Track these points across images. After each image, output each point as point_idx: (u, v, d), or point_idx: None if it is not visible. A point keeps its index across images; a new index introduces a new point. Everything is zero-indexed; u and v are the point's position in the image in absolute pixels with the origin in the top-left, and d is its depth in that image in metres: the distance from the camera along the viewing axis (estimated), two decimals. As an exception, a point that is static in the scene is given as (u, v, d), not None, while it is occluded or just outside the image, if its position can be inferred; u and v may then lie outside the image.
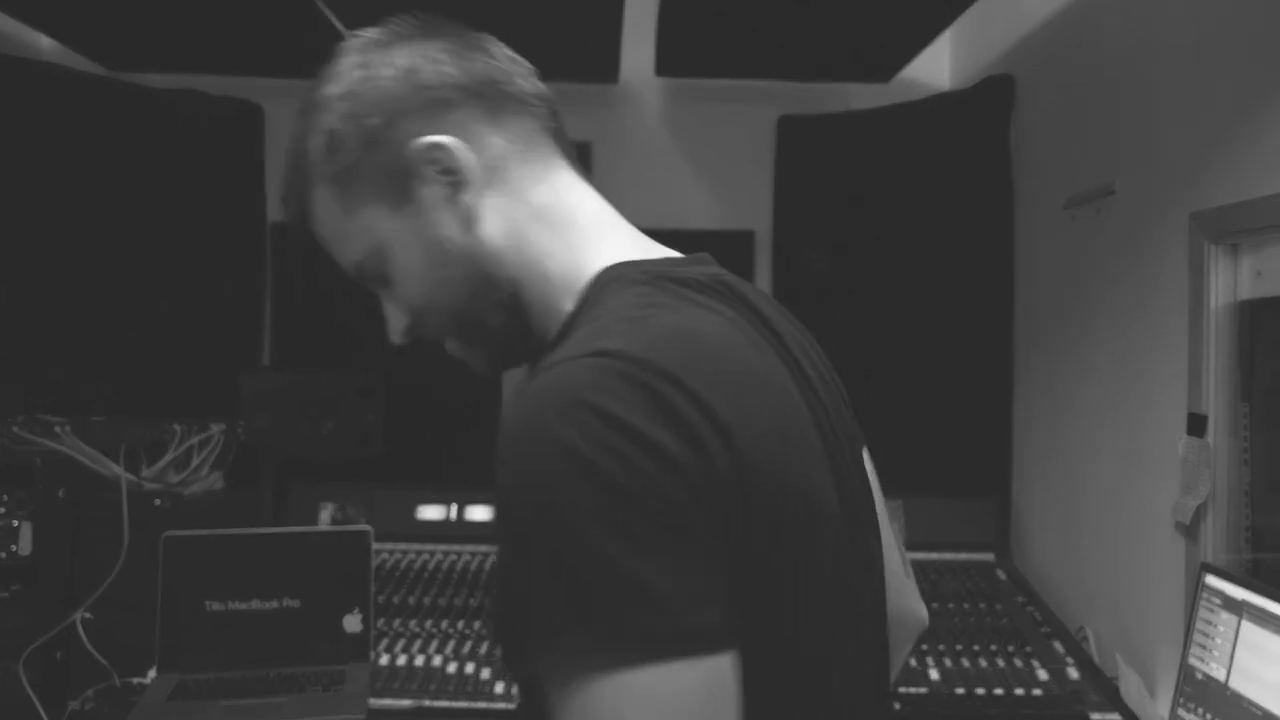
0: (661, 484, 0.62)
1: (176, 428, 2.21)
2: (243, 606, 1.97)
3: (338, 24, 2.53)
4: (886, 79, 2.81)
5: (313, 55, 2.81)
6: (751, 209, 2.97)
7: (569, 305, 0.81)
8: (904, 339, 2.74)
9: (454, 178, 0.82)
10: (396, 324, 0.89)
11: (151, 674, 1.92)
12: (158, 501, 2.08)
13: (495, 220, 0.83)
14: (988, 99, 2.57)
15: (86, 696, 1.89)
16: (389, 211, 0.83)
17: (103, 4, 2.35)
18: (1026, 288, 2.51)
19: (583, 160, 2.94)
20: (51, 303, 2.48)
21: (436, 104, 0.83)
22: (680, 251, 0.89)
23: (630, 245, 0.85)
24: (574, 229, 0.84)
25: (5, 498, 1.94)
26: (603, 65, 2.71)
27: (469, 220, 0.83)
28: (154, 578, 1.97)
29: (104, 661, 1.95)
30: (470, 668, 1.97)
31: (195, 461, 2.20)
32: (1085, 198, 2.14)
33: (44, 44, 2.70)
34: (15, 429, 2.10)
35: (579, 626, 0.60)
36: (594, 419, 0.62)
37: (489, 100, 0.84)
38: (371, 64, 0.84)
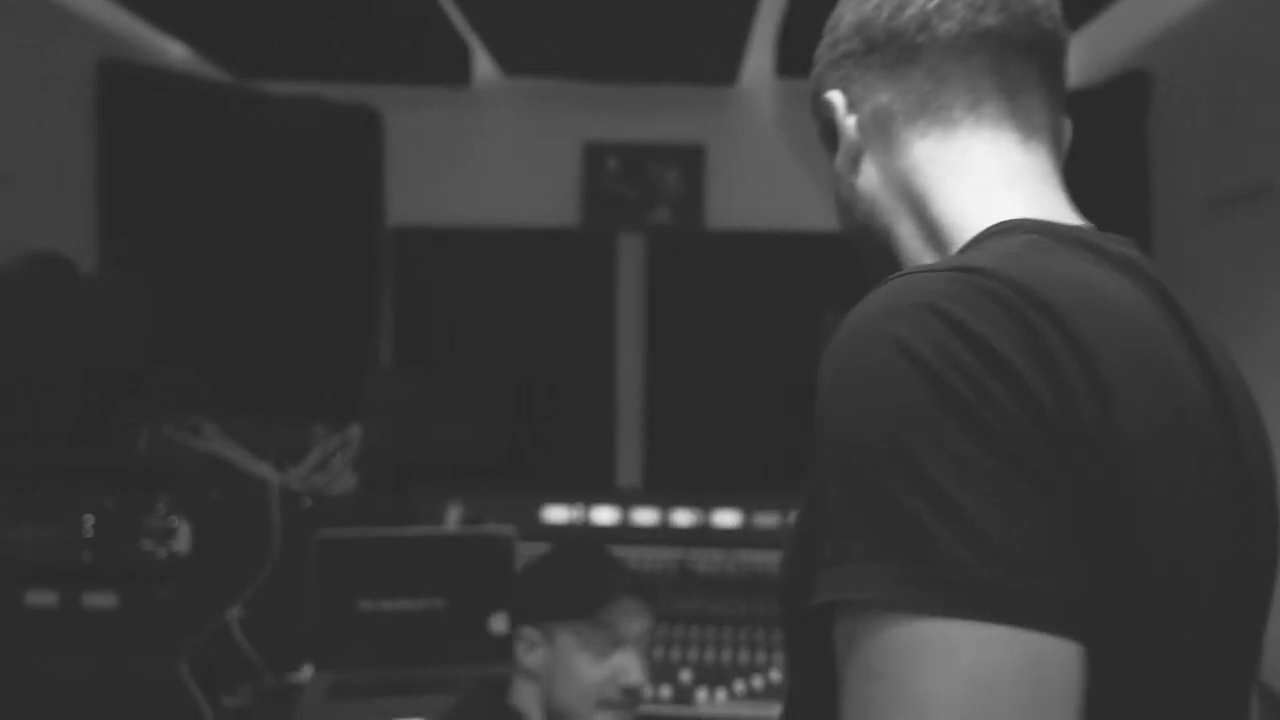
0: (1011, 414, 0.53)
1: (318, 429, 2.24)
2: (392, 606, 1.99)
3: (462, 26, 2.56)
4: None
5: (433, 60, 2.84)
6: (868, 210, 2.94)
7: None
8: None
9: (843, 131, 0.82)
10: None
11: (307, 671, 1.95)
12: (307, 502, 2.11)
13: (872, 172, 0.81)
14: (1122, 96, 2.51)
15: (241, 693, 1.93)
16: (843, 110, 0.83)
17: (232, 11, 2.40)
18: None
19: (696, 164, 2.94)
20: (187, 304, 2.54)
21: (844, 57, 0.82)
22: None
23: (1038, 206, 0.74)
24: (965, 185, 0.76)
25: (164, 498, 1.98)
26: (724, 66, 2.71)
27: (852, 168, 0.82)
28: (303, 576, 1.99)
29: (258, 659, 1.98)
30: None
31: (336, 463, 2.23)
32: (1237, 195, 2.08)
33: (175, 53, 2.76)
34: (168, 430, 2.15)
35: (886, 555, 0.52)
36: (939, 323, 0.55)
37: (888, 53, 0.79)
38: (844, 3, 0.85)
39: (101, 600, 1.97)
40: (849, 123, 0.81)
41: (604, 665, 1.50)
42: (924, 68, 0.77)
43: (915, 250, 0.78)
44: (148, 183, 2.55)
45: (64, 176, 2.39)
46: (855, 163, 0.81)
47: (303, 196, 2.80)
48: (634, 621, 1.53)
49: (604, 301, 2.88)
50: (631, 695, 1.50)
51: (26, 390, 2.06)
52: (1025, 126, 0.76)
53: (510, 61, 2.73)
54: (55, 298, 2.04)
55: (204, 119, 2.65)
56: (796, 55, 2.68)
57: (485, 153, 2.95)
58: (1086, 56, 2.86)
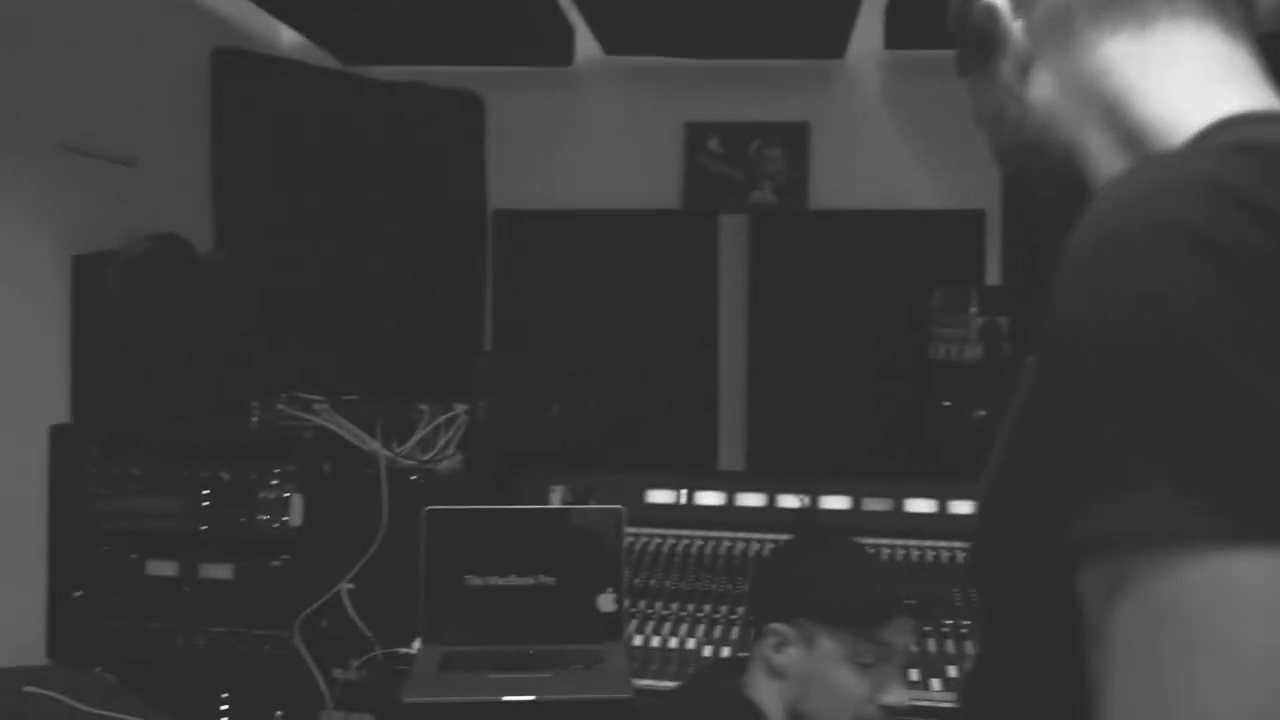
0: None
1: (424, 408, 2.24)
2: (501, 582, 1.98)
3: (565, 5, 2.55)
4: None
5: (536, 40, 2.83)
6: (981, 187, 2.83)
7: None
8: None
9: (1008, 38, 0.74)
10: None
11: (416, 645, 1.95)
12: (414, 477, 2.11)
13: (1048, 82, 0.72)
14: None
15: (352, 665, 1.94)
16: (981, 63, 0.78)
17: (340, 1, 2.43)
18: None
19: (799, 142, 2.86)
20: (297, 284, 2.58)
21: None
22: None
23: (1257, 99, 0.66)
24: (1173, 81, 0.68)
25: (277, 471, 2.00)
26: (831, 40, 2.64)
27: (1018, 82, 0.74)
28: (410, 551, 2.00)
29: (368, 632, 2.00)
30: (726, 652, 1.93)
31: (441, 441, 2.24)
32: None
33: (286, 40, 2.81)
34: (280, 406, 2.18)
35: (1187, 477, 0.44)
36: (1231, 205, 0.47)
37: None
38: None
39: (218, 571, 2.01)
40: (1016, 27, 0.74)
41: (866, 679, 1.40)
42: None
43: (1109, 162, 0.69)
44: (260, 166, 2.60)
45: (181, 161, 2.45)
46: (1025, 71, 0.74)
47: (408, 180, 2.82)
48: (905, 638, 1.43)
49: (706, 283, 2.84)
50: (885, 712, 1.41)
51: (146, 366, 2.11)
52: (1225, 17, 0.69)
53: (612, 40, 2.70)
54: (173, 277, 2.08)
55: (313, 104, 2.69)
56: (906, 26, 2.60)
57: (586, 134, 2.94)
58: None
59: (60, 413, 2.06)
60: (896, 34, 2.63)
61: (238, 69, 2.56)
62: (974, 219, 2.81)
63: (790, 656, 1.42)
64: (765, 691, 1.43)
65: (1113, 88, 0.69)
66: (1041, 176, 0.75)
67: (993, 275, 2.79)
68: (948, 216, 2.81)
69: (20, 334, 1.97)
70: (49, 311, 2.04)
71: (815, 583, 1.44)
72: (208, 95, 2.53)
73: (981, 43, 0.77)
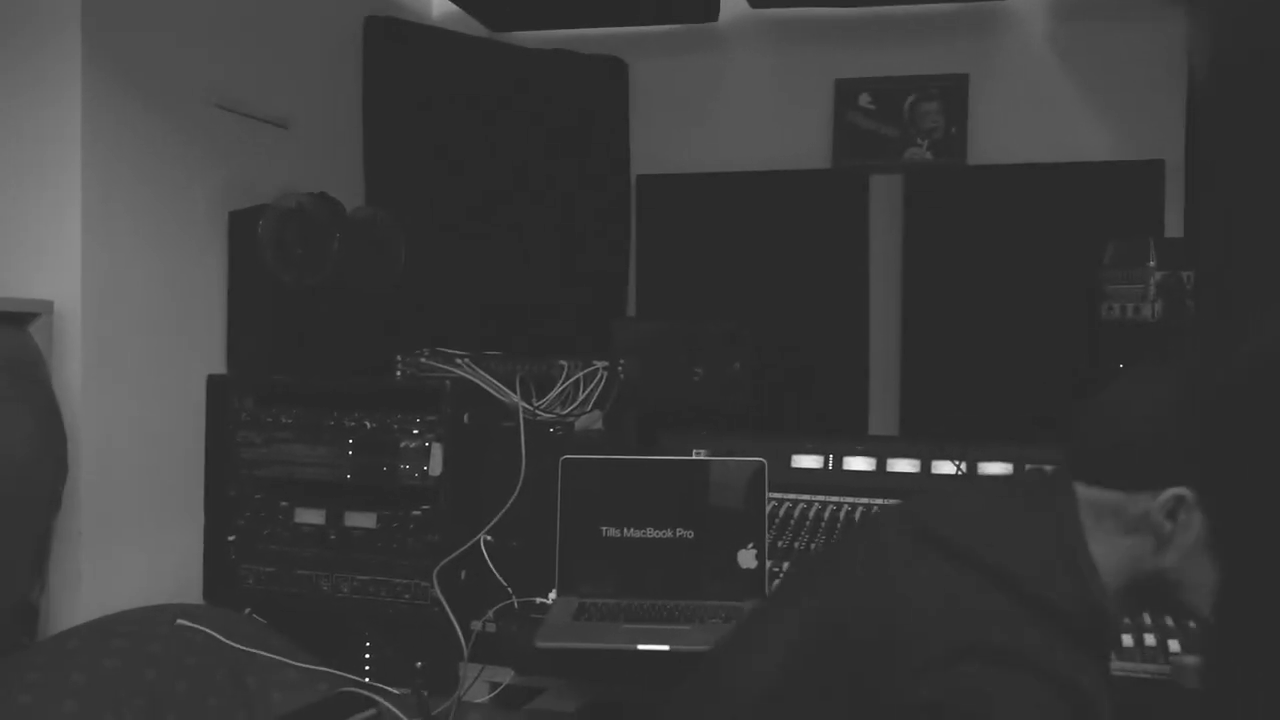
0: None
1: (563, 363, 2.22)
2: (638, 534, 1.93)
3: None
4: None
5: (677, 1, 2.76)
6: (1159, 136, 2.60)
7: None
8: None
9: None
10: None
11: (552, 595, 1.92)
12: (552, 430, 2.08)
13: None
14: None
15: (488, 617, 1.92)
16: None
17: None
18: None
19: (957, 95, 2.69)
20: (442, 243, 2.60)
21: None
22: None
23: None
24: None
25: (418, 421, 2.01)
26: (990, -20, 2.48)
27: None
28: (547, 504, 1.97)
29: (504, 582, 1.98)
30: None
31: (581, 395, 2.21)
32: None
33: (436, 8, 2.85)
34: (424, 359, 2.19)
35: None
36: None
37: None
38: None
39: (361, 520, 2.03)
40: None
41: None
42: None
43: None
44: (409, 131, 2.64)
45: (333, 124, 2.51)
46: None
47: (553, 145, 2.81)
48: None
49: (856, 244, 2.72)
50: None
51: (297, 319, 2.15)
52: None
53: (758, -8, 2.62)
54: (322, 232, 2.12)
55: (461, 71, 2.71)
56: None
57: (731, 94, 2.86)
58: None
59: (217, 363, 2.13)
60: (1065, -30, 2.45)
61: (388, 36, 2.61)
62: (1152, 170, 2.58)
63: (1186, 531, 1.21)
64: (1120, 552, 1.22)
65: None
66: None
67: (1173, 229, 2.56)
68: (1122, 168, 2.59)
69: (181, 287, 2.04)
70: (207, 265, 2.11)
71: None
72: (359, 61, 2.58)
73: None
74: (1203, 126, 2.55)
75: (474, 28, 2.82)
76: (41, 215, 1.81)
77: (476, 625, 1.93)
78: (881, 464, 2.35)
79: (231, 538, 2.09)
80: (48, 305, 1.76)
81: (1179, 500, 1.19)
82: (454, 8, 2.77)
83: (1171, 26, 2.56)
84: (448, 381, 2.04)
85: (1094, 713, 1.11)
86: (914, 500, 1.41)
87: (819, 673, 1.20)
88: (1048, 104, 2.68)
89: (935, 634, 1.12)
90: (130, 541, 1.92)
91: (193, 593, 2.07)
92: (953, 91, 2.73)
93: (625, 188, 2.89)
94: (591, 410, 2.22)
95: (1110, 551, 1.21)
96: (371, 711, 1.76)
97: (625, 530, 1.93)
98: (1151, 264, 2.31)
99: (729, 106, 2.85)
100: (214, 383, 2.11)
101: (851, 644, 1.18)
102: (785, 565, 2.00)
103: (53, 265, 1.80)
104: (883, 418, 2.67)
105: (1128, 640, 1.72)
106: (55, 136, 1.81)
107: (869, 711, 1.14)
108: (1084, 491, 1.25)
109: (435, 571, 1.96)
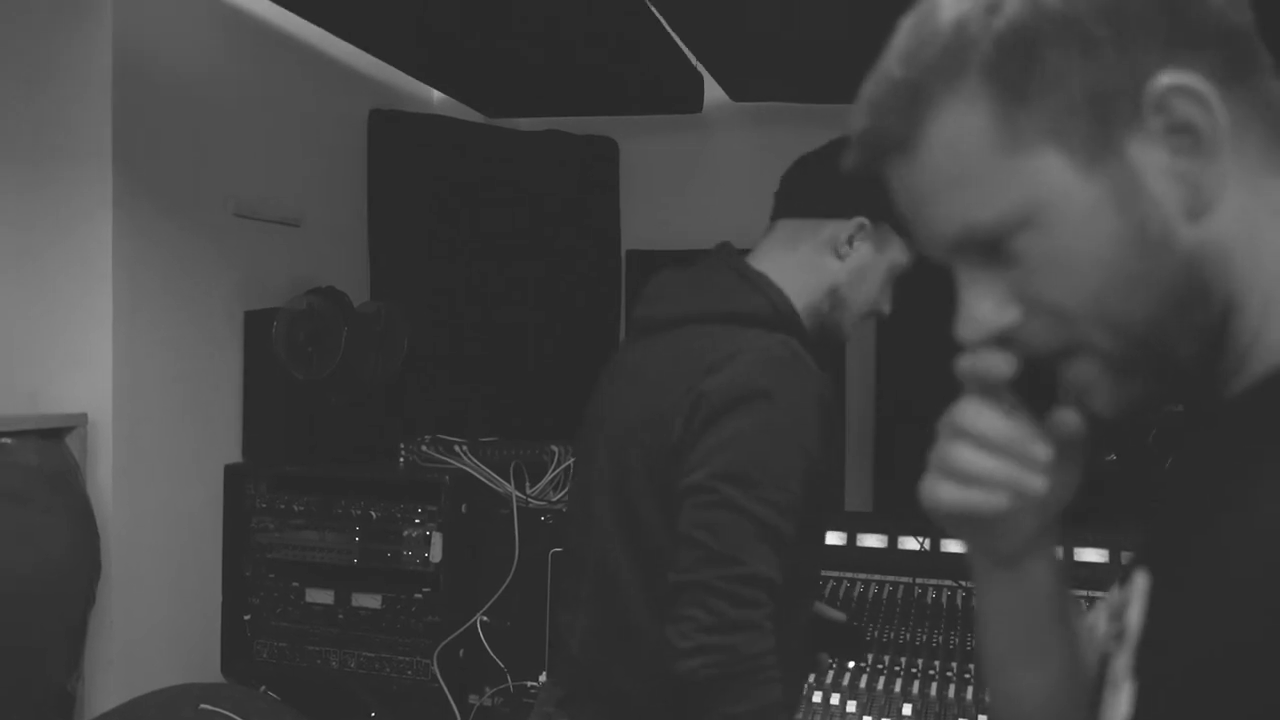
0: None
1: (554, 449, 2.38)
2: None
3: (695, 62, 2.64)
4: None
5: (667, 90, 2.93)
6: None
7: None
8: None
9: (1187, 139, 0.58)
10: (990, 315, 0.63)
11: (542, 677, 2.09)
12: (544, 518, 2.25)
13: (1232, 209, 0.58)
14: None
15: (486, 694, 2.09)
16: (1069, 164, 0.58)
17: (485, 59, 2.60)
18: None
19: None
20: (443, 329, 2.77)
21: (1191, 35, 0.58)
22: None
23: None
24: None
25: (420, 511, 2.18)
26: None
27: (1201, 203, 0.58)
28: (542, 588, 2.14)
29: (500, 663, 2.15)
30: (836, 699, 1.98)
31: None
32: None
33: (435, 98, 3.01)
34: (425, 448, 2.36)
35: None
36: None
37: (1236, 49, 0.60)
38: None
39: (368, 601, 2.20)
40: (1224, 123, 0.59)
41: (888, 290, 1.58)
42: None
43: (1262, 326, 0.60)
44: (411, 218, 2.80)
45: (341, 217, 2.68)
46: (1206, 190, 0.60)
47: (547, 223, 2.97)
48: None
49: (833, 322, 2.87)
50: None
51: (308, 411, 2.32)
52: None
53: (738, 88, 2.78)
54: (331, 329, 2.29)
55: (461, 155, 2.88)
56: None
57: (716, 176, 3.02)
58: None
59: (234, 453, 2.30)
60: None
61: (391, 128, 2.77)
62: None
63: (861, 248, 1.51)
64: (810, 270, 1.51)
65: (1272, 237, 0.59)
66: (1193, 333, 0.60)
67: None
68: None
69: (200, 383, 2.21)
70: (225, 362, 2.28)
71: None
72: (364, 154, 2.75)
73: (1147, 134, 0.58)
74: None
75: (471, 116, 2.99)
76: (75, 331, 1.98)
77: (475, 700, 2.10)
78: (852, 539, 2.51)
79: (247, 616, 2.26)
80: (82, 418, 1.93)
81: (860, 226, 1.51)
82: (452, 99, 2.93)
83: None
84: (447, 476, 2.21)
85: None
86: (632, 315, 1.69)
87: (632, 487, 1.40)
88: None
89: (702, 383, 1.34)
90: (155, 625, 2.09)
91: (211, 668, 2.24)
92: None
93: (616, 262, 3.05)
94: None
95: (799, 266, 1.51)
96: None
97: (610, 618, 2.09)
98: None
99: (714, 187, 3.02)
100: (231, 471, 2.28)
101: (644, 443, 1.39)
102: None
103: (86, 378, 1.97)
104: (857, 493, 2.83)
105: None
106: (88, 256, 1.97)
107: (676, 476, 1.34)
108: (786, 223, 1.59)
109: (435, 651, 2.13)
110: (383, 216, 2.77)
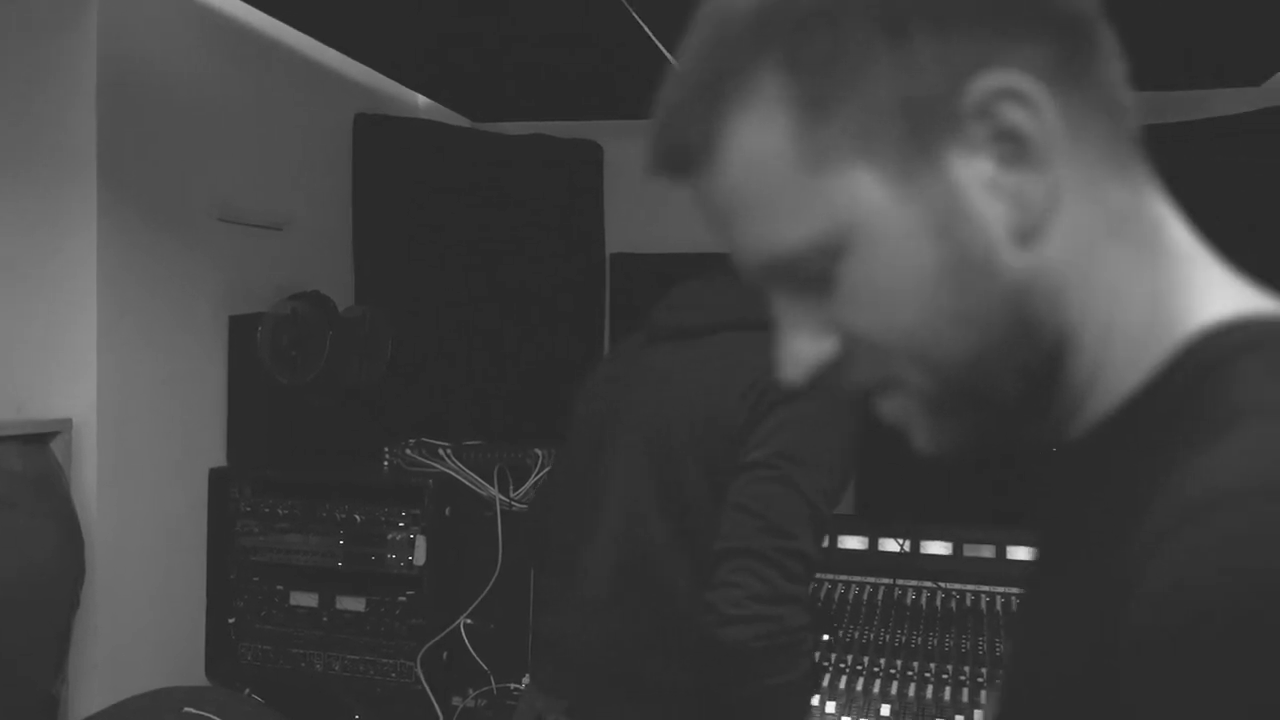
0: None
1: (538, 452, 2.40)
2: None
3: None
4: (1258, 82, 2.57)
5: (648, 93, 2.96)
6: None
7: (1136, 373, 0.53)
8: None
9: (1014, 149, 0.50)
10: (808, 350, 0.55)
11: (525, 680, 2.11)
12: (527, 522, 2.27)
13: (1065, 228, 0.51)
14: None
15: (470, 697, 2.11)
16: (881, 182, 0.50)
17: (469, 63, 2.62)
18: None
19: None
20: (428, 331, 2.79)
21: (1014, 24, 0.50)
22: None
23: (1245, 290, 0.55)
24: (1161, 255, 0.54)
25: (404, 514, 2.20)
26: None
27: (1029, 224, 0.50)
28: (525, 590, 2.16)
29: (484, 665, 2.17)
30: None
31: (555, 484, 2.39)
32: None
33: (420, 103, 3.03)
34: (409, 451, 2.38)
35: None
36: None
37: (1072, 40, 0.52)
38: None
39: (352, 604, 2.22)
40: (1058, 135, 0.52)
41: None
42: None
43: (1094, 360, 0.54)
44: (396, 222, 2.82)
45: (325, 221, 2.69)
46: (1038, 212, 0.52)
47: (531, 227, 2.99)
48: None
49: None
50: None
51: (293, 415, 2.34)
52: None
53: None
54: (315, 334, 2.30)
55: (445, 160, 2.89)
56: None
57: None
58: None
59: (218, 457, 2.31)
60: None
61: (376, 132, 2.79)
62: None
63: None
64: None
65: (1111, 260, 0.53)
66: (1021, 371, 0.53)
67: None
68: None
69: (185, 387, 2.22)
70: (210, 366, 2.29)
71: None
72: (349, 158, 2.76)
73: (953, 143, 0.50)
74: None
75: (456, 120, 3.00)
76: (60, 336, 1.99)
77: (458, 702, 2.12)
78: (832, 540, 2.54)
79: (231, 619, 2.27)
80: (67, 423, 1.94)
81: None
82: (437, 104, 2.94)
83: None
84: (430, 479, 2.23)
85: None
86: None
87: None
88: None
89: (763, 380, 1.35)
90: (140, 629, 2.10)
91: (195, 671, 2.25)
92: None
93: (600, 263, 3.07)
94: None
95: None
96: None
97: (592, 620, 2.12)
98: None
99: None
100: (215, 475, 2.29)
101: (700, 439, 1.42)
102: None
103: (71, 383, 1.98)
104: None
105: None
106: (73, 261, 1.97)
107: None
108: None
109: (419, 653, 2.15)
110: (367, 221, 2.78)
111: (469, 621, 2.20)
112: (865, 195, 0.50)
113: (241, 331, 2.30)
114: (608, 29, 2.26)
